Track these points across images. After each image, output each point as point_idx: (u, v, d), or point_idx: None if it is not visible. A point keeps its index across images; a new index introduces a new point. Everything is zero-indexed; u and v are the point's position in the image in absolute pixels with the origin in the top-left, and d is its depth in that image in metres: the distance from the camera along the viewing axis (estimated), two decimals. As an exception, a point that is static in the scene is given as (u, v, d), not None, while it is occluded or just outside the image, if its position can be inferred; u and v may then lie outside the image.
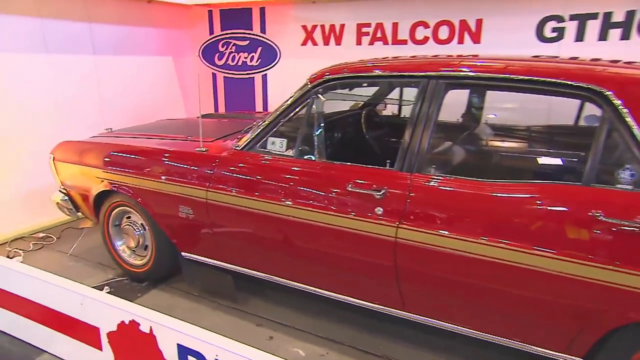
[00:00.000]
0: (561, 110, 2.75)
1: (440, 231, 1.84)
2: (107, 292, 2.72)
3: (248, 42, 4.89)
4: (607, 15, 3.22)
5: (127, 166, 2.72)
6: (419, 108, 1.98)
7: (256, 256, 2.50)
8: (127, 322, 1.83)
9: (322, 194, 2.12)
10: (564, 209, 1.68)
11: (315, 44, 4.47)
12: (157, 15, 4.77)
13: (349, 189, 2.04)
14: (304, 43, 4.52)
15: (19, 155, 3.63)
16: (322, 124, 2.25)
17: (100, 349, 1.98)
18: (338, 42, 4.34)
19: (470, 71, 1.94)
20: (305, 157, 2.26)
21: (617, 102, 1.63)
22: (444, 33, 3.80)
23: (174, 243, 2.71)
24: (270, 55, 4.81)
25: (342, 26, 4.28)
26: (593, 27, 3.28)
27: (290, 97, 2.34)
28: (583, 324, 1.71)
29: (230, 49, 5.01)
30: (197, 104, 5.30)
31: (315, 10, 4.38)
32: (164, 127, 3.49)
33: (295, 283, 2.40)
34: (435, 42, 3.85)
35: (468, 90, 2.88)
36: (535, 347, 1.84)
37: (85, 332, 2.03)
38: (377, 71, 2.22)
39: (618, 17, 3.19)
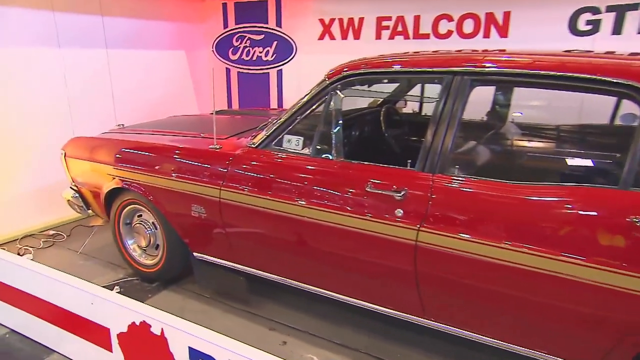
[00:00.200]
0: (595, 109, 2.69)
1: (464, 235, 1.82)
2: (117, 292, 2.76)
3: (263, 36, 4.91)
4: (649, 5, 3.13)
5: (138, 163, 2.76)
6: (443, 106, 1.96)
7: (270, 258, 2.51)
8: (137, 323, 1.86)
9: (339, 195, 2.11)
10: (599, 213, 1.65)
11: (332, 38, 4.47)
12: (170, 8, 4.83)
13: (368, 190, 2.03)
14: (321, 37, 4.53)
15: (30, 151, 3.71)
16: (340, 122, 2.25)
17: (111, 350, 2.02)
18: (357, 36, 4.34)
19: (496, 67, 1.92)
20: (322, 155, 2.26)
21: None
22: (468, 27, 3.76)
23: (186, 243, 2.74)
24: (286, 50, 4.82)
25: (361, 19, 4.27)
26: (632, 19, 3.19)
27: (308, 94, 2.34)
28: (617, 337, 1.67)
29: (245, 43, 5.04)
30: (210, 99, 5.33)
31: (334, 3, 4.38)
32: (176, 123, 3.53)
33: (310, 286, 2.40)
34: (460, 36, 3.81)
35: (493, 87, 2.85)
36: (563, 361, 1.81)
37: (95, 333, 2.06)
38: (398, 67, 2.21)
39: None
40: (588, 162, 2.54)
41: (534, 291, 1.76)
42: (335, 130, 2.23)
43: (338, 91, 2.24)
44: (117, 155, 2.87)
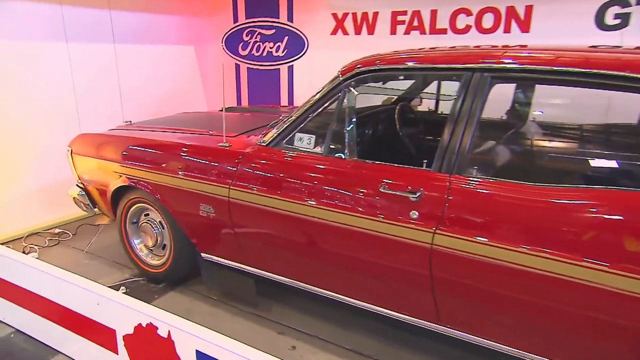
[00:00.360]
0: (623, 108, 2.64)
1: (482, 238, 1.80)
2: (123, 293, 2.79)
3: (274, 31, 4.92)
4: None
5: (146, 161, 2.78)
6: (461, 103, 1.95)
7: (280, 260, 2.51)
8: (144, 325, 1.87)
9: (352, 195, 2.11)
10: (625, 217, 1.62)
11: (346, 33, 4.46)
12: (179, 2, 4.87)
13: (382, 190, 2.02)
14: (334, 32, 4.52)
15: (35, 148, 3.76)
16: (354, 120, 2.24)
17: (116, 352, 2.03)
18: (371, 31, 4.32)
19: (517, 63, 1.89)
20: (335, 155, 2.26)
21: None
22: (488, 21, 3.72)
23: (194, 243, 2.76)
24: (297, 45, 4.82)
25: (376, 14, 4.25)
26: (664, 13, 3.12)
27: (320, 91, 2.34)
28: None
29: (255, 38, 5.05)
30: (218, 96, 5.38)
31: (347, -3, 4.37)
32: (185, 120, 3.55)
33: (321, 290, 2.40)
34: (479, 31, 3.78)
35: (514, 85, 2.82)
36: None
37: (100, 334, 2.08)
38: (413, 63, 2.20)
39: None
40: (613, 164, 2.50)
41: (555, 298, 1.73)
42: (348, 129, 2.23)
43: (352, 88, 2.23)
44: (124, 153, 2.89)
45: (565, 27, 3.40)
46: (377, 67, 2.21)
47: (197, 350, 1.72)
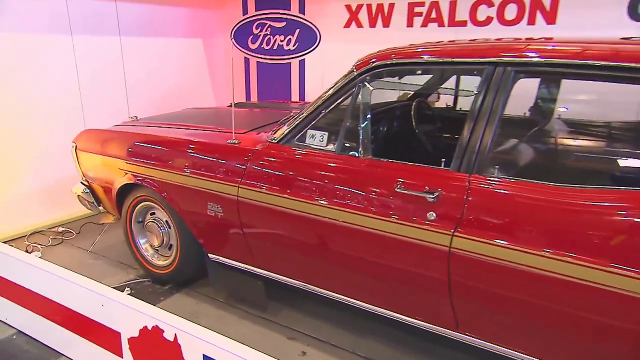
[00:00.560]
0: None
1: (502, 241, 1.78)
2: (128, 294, 2.82)
3: (285, 23, 4.92)
4: None
5: (152, 158, 2.80)
6: (482, 99, 1.93)
7: (290, 262, 2.52)
8: (150, 328, 1.88)
9: (366, 195, 2.10)
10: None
11: (360, 25, 4.45)
12: (187, -7, 4.89)
13: (397, 190, 2.01)
14: (348, 25, 4.51)
15: (39, 144, 3.81)
16: (368, 117, 2.23)
17: (121, 355, 2.05)
18: (386, 23, 4.30)
19: (542, 56, 1.87)
20: (348, 152, 2.25)
21: None
22: (511, 12, 3.68)
23: (201, 243, 2.77)
24: (309, 39, 4.82)
25: (391, 5, 4.23)
26: None
27: (334, 86, 2.33)
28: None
29: (265, 31, 5.06)
30: (227, 91, 5.41)
31: (361, -12, 4.36)
32: (192, 116, 3.57)
33: (333, 293, 2.39)
34: (501, 23, 3.73)
35: (538, 80, 2.79)
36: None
37: (105, 336, 2.10)
38: (431, 57, 2.18)
39: None
40: (644, 164, 2.46)
41: (580, 306, 1.71)
42: (362, 126, 2.22)
43: (366, 83, 2.23)
44: (130, 149, 2.92)
45: (594, 18, 3.33)
46: (392, 62, 2.20)
47: (204, 355, 1.73)
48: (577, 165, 2.61)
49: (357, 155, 2.22)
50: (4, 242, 3.15)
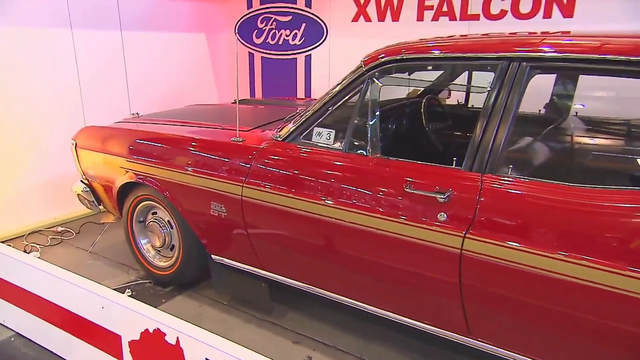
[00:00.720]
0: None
1: (516, 244, 1.77)
2: (129, 296, 2.83)
3: (291, 17, 4.92)
4: None
5: (154, 156, 2.81)
6: (495, 96, 1.92)
7: (296, 263, 2.52)
8: (151, 331, 1.89)
9: (374, 195, 2.10)
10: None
11: (368, 20, 4.44)
12: (190, -14, 4.90)
13: (407, 190, 2.01)
14: (355, 19, 4.51)
15: (38, 141, 3.84)
16: (377, 114, 2.23)
17: (121, 358, 2.06)
18: (395, 17, 4.30)
19: (558, 51, 1.86)
20: (356, 151, 2.25)
21: None
22: (526, 5, 3.66)
23: (204, 244, 2.78)
24: (315, 33, 4.82)
25: (401, -1, 4.22)
26: None
27: (341, 82, 2.33)
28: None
29: (271, 25, 5.07)
30: (230, 87, 5.41)
31: (370, -20, 4.35)
32: (195, 113, 3.58)
33: (339, 296, 2.39)
34: (515, 16, 3.72)
35: (554, 76, 2.77)
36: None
37: (105, 339, 2.11)
38: (442, 52, 2.17)
39: None
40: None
41: (597, 311, 1.70)
42: (370, 123, 2.22)
43: (375, 79, 2.22)
44: (131, 147, 2.93)
45: (614, 11, 3.31)
46: (402, 57, 2.19)
47: (207, 359, 1.73)
48: (594, 165, 2.60)
49: (365, 153, 2.22)
50: (2, 242, 3.18)
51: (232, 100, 4.12)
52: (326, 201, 2.20)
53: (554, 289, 1.74)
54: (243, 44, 5.27)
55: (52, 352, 2.43)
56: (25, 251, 3.49)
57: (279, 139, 2.48)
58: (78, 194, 3.37)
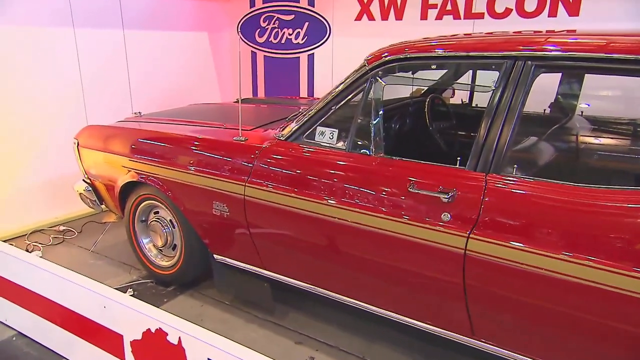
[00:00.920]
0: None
1: (521, 244, 1.77)
2: (131, 295, 2.83)
3: (294, 16, 4.92)
4: None
5: (156, 155, 2.81)
6: (500, 96, 1.91)
7: (298, 263, 2.52)
8: (153, 331, 1.89)
9: (377, 195, 2.09)
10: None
11: (372, 18, 4.43)
12: (192, -15, 4.91)
13: (411, 190, 2.00)
14: (359, 18, 4.50)
15: (40, 140, 3.84)
16: (380, 113, 2.23)
17: (123, 358, 2.06)
18: (399, 16, 4.29)
19: (563, 50, 1.85)
20: (360, 150, 2.25)
21: None
22: (531, 4, 3.64)
23: (206, 244, 2.78)
24: (318, 32, 4.82)
25: (405, -3, 4.22)
26: None
27: (344, 81, 2.33)
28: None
29: (273, 24, 5.06)
30: (232, 86, 5.42)
31: (373, -21, 4.35)
32: (197, 112, 3.58)
33: (342, 296, 2.39)
34: (520, 15, 3.70)
35: (559, 75, 2.77)
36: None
37: (107, 339, 2.11)
38: (446, 51, 2.17)
39: None
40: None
41: (602, 312, 1.69)
42: (374, 123, 2.22)
43: (378, 78, 2.22)
44: (133, 146, 2.93)
45: (621, 10, 3.29)
46: (406, 56, 2.19)
47: (209, 359, 1.73)
48: (599, 165, 2.59)
49: (368, 153, 2.22)
50: (4, 241, 3.18)
51: (234, 100, 4.13)
52: (329, 201, 2.20)
53: (558, 290, 1.74)
54: (246, 42, 5.26)
55: (53, 351, 2.43)
56: (27, 250, 3.50)
57: (281, 138, 2.48)
58: (80, 193, 3.38)
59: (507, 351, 1.98)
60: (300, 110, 2.75)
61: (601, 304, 1.67)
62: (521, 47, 1.91)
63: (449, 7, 4.01)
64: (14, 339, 2.58)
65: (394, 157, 2.15)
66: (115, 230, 3.85)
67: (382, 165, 2.16)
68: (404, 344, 2.51)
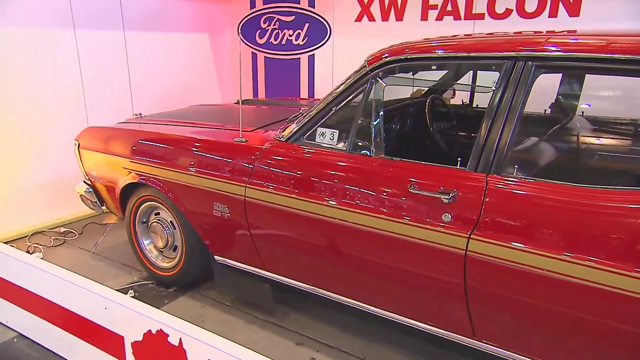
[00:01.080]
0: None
1: (522, 245, 1.77)
2: (132, 297, 2.83)
3: (294, 17, 4.92)
4: None
5: (157, 157, 2.81)
6: (500, 96, 1.91)
7: (299, 264, 2.52)
8: (154, 332, 1.89)
9: (378, 196, 2.09)
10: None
11: (372, 19, 4.44)
12: (193, -14, 4.91)
13: (411, 191, 2.00)
14: (359, 18, 4.50)
15: (40, 141, 3.85)
16: (381, 114, 2.23)
17: (124, 359, 2.06)
18: (399, 17, 4.29)
19: (563, 50, 1.85)
20: (360, 151, 2.25)
21: None
22: (531, 4, 3.64)
23: (207, 245, 2.78)
24: (319, 33, 4.82)
25: (405, -2, 4.22)
26: None
27: (344, 82, 2.33)
28: None
29: (274, 25, 5.07)
30: (233, 87, 5.42)
31: (374, -20, 4.35)
32: (198, 113, 3.59)
33: (343, 297, 2.39)
34: (520, 15, 3.70)
35: (559, 75, 2.77)
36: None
37: (107, 340, 2.11)
38: (446, 52, 2.17)
39: None
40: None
41: (604, 313, 1.69)
42: (374, 124, 2.22)
43: (379, 79, 2.22)
44: (134, 148, 2.93)
45: (621, 10, 3.28)
46: (406, 57, 2.19)
47: (210, 361, 1.74)
48: (600, 165, 2.59)
49: (369, 154, 2.22)
50: (4, 243, 3.19)
51: (235, 101, 4.13)
52: (330, 202, 2.20)
53: (559, 290, 1.74)
54: (246, 44, 5.27)
55: (54, 353, 2.43)
56: (28, 252, 3.49)
57: (282, 139, 2.48)
58: (81, 195, 3.38)
59: (508, 352, 1.98)
60: (301, 111, 2.76)
61: (602, 304, 1.67)
62: (521, 48, 1.92)
63: (449, 7, 4.01)
64: (15, 340, 2.58)
65: (395, 158, 2.16)
66: (116, 231, 3.86)
67: (383, 166, 2.16)
68: (405, 344, 2.51)
